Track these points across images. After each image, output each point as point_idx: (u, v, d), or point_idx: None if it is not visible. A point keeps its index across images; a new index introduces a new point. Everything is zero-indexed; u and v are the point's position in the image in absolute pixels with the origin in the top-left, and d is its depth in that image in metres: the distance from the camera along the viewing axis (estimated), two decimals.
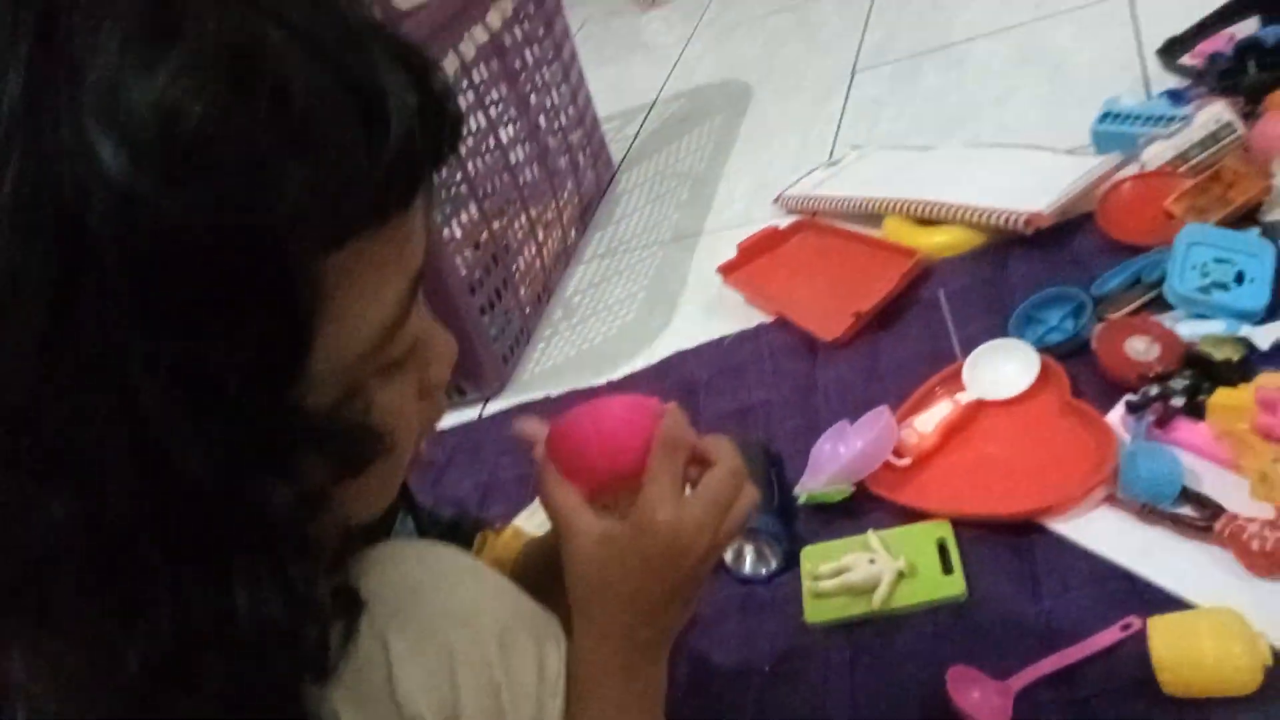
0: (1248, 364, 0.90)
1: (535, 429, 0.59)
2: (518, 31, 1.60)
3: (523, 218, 1.59)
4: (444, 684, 0.48)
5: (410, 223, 0.41)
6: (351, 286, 0.38)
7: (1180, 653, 0.71)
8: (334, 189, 0.36)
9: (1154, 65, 1.41)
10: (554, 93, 1.73)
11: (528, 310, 1.59)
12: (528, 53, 1.64)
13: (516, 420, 0.59)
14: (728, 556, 0.99)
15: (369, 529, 0.54)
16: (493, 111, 1.52)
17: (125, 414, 0.35)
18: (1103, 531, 0.86)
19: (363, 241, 0.38)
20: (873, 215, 1.40)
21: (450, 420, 1.46)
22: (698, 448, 0.56)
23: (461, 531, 0.79)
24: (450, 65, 1.38)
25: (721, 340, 1.35)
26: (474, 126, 1.47)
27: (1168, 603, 0.78)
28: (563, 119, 1.76)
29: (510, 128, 1.58)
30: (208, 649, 0.39)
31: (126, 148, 0.32)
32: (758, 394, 1.22)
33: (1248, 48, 1.21)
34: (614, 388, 1.36)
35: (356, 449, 0.42)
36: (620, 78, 2.39)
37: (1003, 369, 1.04)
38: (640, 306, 1.55)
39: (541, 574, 0.61)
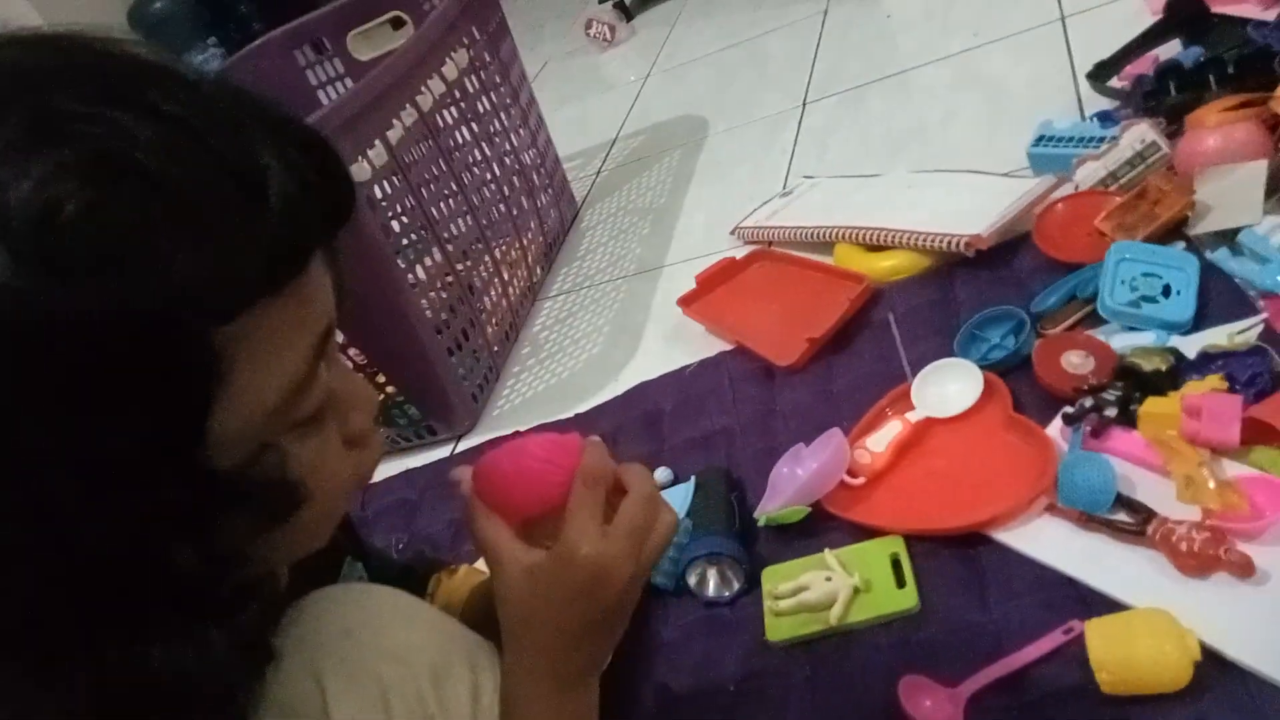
0: (1176, 373, 0.95)
1: (464, 471, 0.61)
2: (475, 80, 1.65)
3: (488, 258, 1.63)
4: (378, 718, 0.51)
5: (308, 287, 0.44)
6: (250, 353, 0.41)
7: (1116, 653, 0.75)
8: (217, 266, 0.38)
9: (1086, 88, 1.46)
10: (514, 136, 1.78)
11: (495, 348, 1.62)
12: (486, 100, 1.69)
13: (452, 470, 0.61)
14: (691, 580, 1.02)
15: (315, 575, 0.57)
16: (454, 157, 1.56)
17: (27, 496, 0.37)
18: (1045, 539, 0.89)
19: (257, 310, 0.40)
20: (824, 243, 1.45)
21: (422, 459, 1.49)
22: (618, 477, 0.59)
23: (415, 575, 0.82)
24: (409, 116, 1.42)
25: (683, 370, 1.39)
26: (436, 172, 1.51)
27: (1106, 605, 0.82)
28: (525, 160, 1.81)
29: (473, 171, 1.62)
30: (125, 705, 0.42)
31: (5, 246, 0.35)
32: (719, 420, 1.26)
33: (1168, 70, 1.27)
34: (580, 420, 1.40)
35: (272, 505, 0.45)
36: (581, 116, 2.45)
37: (949, 387, 1.08)
38: (605, 340, 1.59)
39: (488, 610, 0.64)
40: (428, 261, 1.48)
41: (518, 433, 1.40)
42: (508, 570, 0.55)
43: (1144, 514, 0.85)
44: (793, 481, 1.03)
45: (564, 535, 0.55)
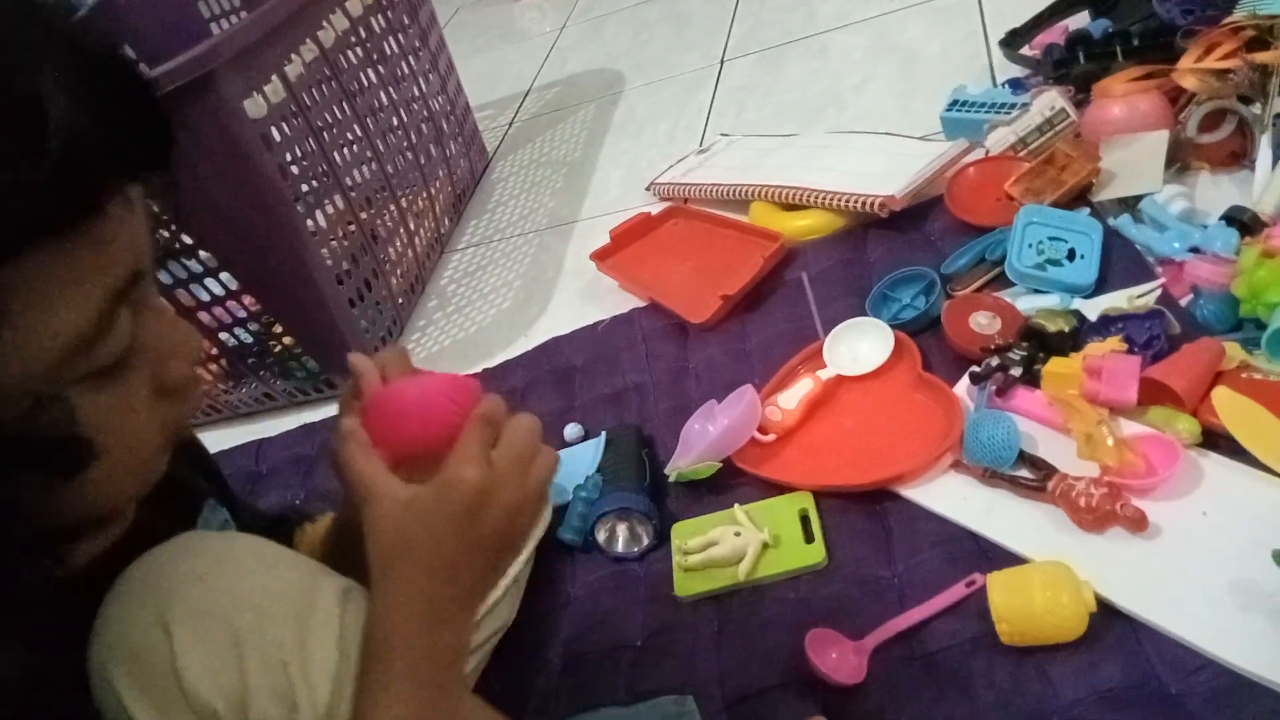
0: (1078, 334, 0.97)
1: (354, 421, 0.56)
2: (381, 20, 1.57)
3: (393, 207, 1.57)
4: (230, 669, 0.49)
5: (103, 230, 0.40)
6: (30, 299, 0.38)
7: (1015, 605, 0.76)
8: None
9: (999, 55, 1.48)
10: (423, 81, 1.71)
11: (400, 300, 1.56)
12: (393, 41, 1.61)
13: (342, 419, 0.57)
14: (600, 536, 1.00)
15: (169, 520, 0.54)
16: (358, 101, 1.48)
17: None
18: (950, 496, 0.91)
19: (38, 255, 0.37)
20: (740, 201, 1.43)
21: (321, 413, 1.44)
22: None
23: (288, 525, 0.79)
24: (309, 53, 1.35)
25: (596, 325, 1.36)
26: (339, 115, 1.44)
27: (1007, 559, 0.83)
28: (433, 106, 1.74)
29: (377, 117, 1.55)
30: None
31: None
32: (631, 377, 1.24)
33: (1078, 39, 1.29)
34: (489, 375, 1.36)
35: (55, 461, 0.42)
36: (493, 66, 2.38)
37: (860, 346, 1.09)
38: (516, 294, 1.55)
39: (345, 552, 0.61)
40: (329, 209, 1.41)
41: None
42: (382, 503, 0.52)
43: (1045, 470, 0.87)
44: (704, 437, 1.03)
45: (449, 462, 0.52)
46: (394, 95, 1.60)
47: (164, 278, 1.28)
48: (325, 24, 1.39)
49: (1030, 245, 1.07)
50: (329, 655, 0.52)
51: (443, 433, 0.54)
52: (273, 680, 0.50)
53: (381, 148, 1.54)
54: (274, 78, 1.26)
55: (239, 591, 0.51)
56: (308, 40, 1.35)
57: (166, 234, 1.24)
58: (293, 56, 1.31)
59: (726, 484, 1.02)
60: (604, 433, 1.13)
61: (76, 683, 0.50)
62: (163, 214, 0.46)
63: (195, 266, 1.27)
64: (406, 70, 1.66)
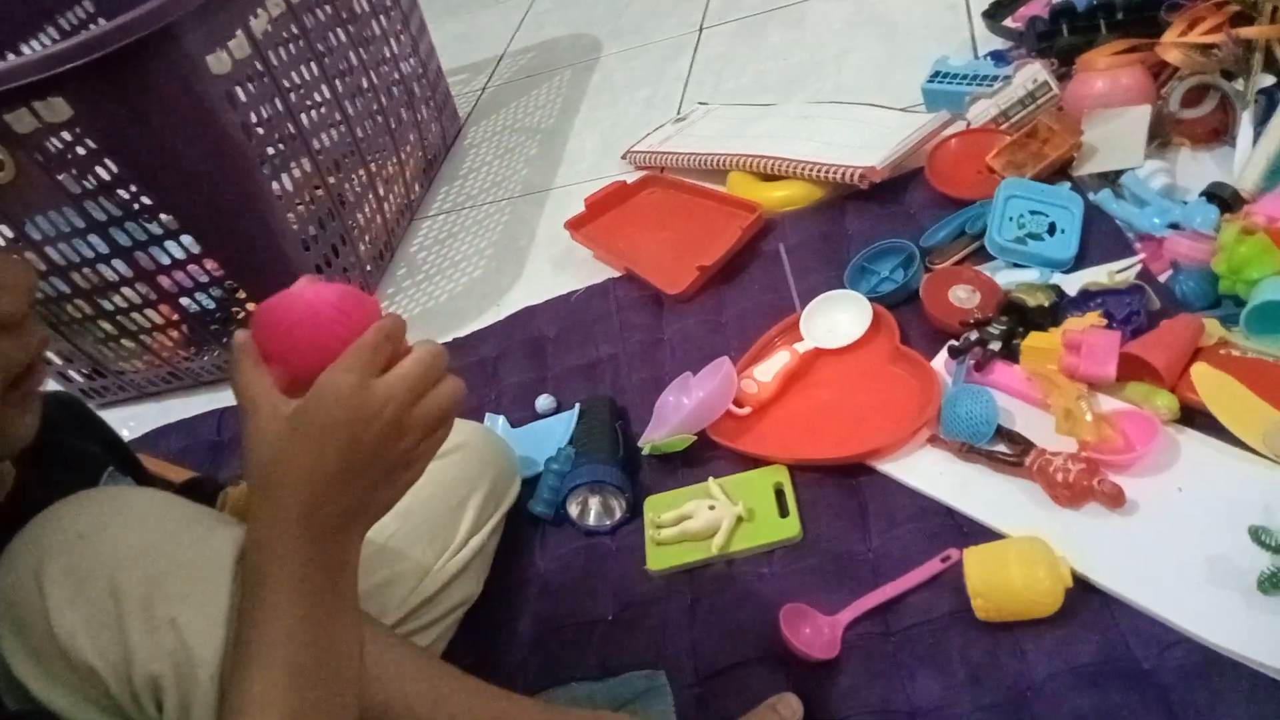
0: (1057, 309, 0.96)
1: (245, 334, 0.53)
2: None
3: (361, 172, 1.53)
4: (109, 629, 0.49)
5: None
6: None
7: (992, 580, 0.75)
8: None
9: (981, 27, 1.46)
10: (393, 42, 1.66)
11: (368, 267, 1.53)
12: (363, 0, 1.56)
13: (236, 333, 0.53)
14: (572, 509, 0.98)
15: (62, 493, 0.53)
16: (326, 62, 1.44)
17: None
18: (926, 470, 0.90)
19: None
20: (718, 171, 1.41)
21: None
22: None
23: (200, 489, 0.77)
24: (275, 8, 1.30)
25: (570, 295, 1.34)
26: (306, 76, 1.40)
27: (983, 534, 0.83)
28: (403, 69, 1.69)
29: (346, 79, 1.51)
30: None
31: None
32: (605, 348, 1.22)
33: (1061, 12, 1.27)
34: (459, 344, 1.33)
35: None
36: (467, 30, 2.33)
37: (837, 319, 1.07)
38: (488, 262, 1.52)
39: None
40: (295, 172, 1.37)
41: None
42: (263, 418, 0.49)
43: (1023, 445, 0.86)
44: (679, 410, 1.01)
45: (331, 366, 0.49)
46: (364, 56, 1.55)
47: (122, 239, 1.23)
48: None
49: (1011, 219, 1.06)
50: (220, 604, 0.50)
51: (330, 345, 0.50)
52: (159, 638, 0.49)
53: (350, 110, 1.50)
54: (238, 33, 1.22)
55: (123, 548, 0.50)
56: None
57: (125, 194, 1.20)
58: (259, 11, 1.26)
59: (701, 457, 1.00)
60: (577, 404, 1.11)
61: None
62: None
63: (155, 229, 1.23)
64: (377, 31, 1.61)
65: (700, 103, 1.64)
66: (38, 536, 0.51)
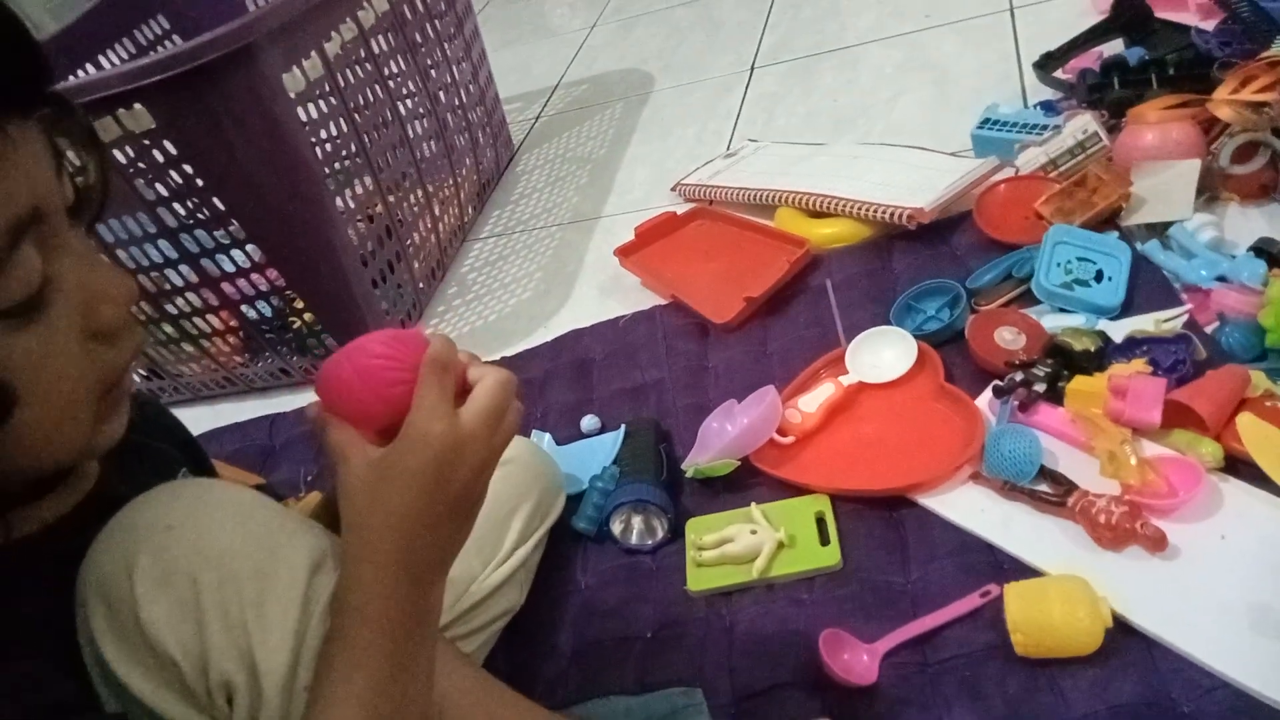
0: (1103, 354, 0.97)
1: (315, 406, 0.56)
2: (419, 4, 1.58)
3: (419, 192, 1.57)
4: (190, 624, 0.49)
5: None
6: None
7: (1032, 616, 0.76)
8: None
9: (1031, 77, 1.49)
10: (455, 69, 1.71)
11: (421, 285, 1.57)
12: (429, 27, 1.62)
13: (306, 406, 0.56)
14: (615, 528, 1.00)
15: (141, 485, 0.54)
16: (391, 84, 1.49)
17: None
18: (968, 506, 0.91)
19: None
20: (766, 206, 1.44)
21: None
22: (466, 371, 0.55)
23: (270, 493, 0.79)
24: (348, 33, 1.35)
25: (617, 320, 1.37)
26: (372, 98, 1.45)
27: (1023, 571, 0.83)
28: (463, 96, 1.75)
29: (409, 102, 1.56)
30: None
31: None
32: (651, 373, 1.25)
33: (1113, 66, 1.30)
34: (507, 363, 1.36)
35: None
36: (523, 61, 2.39)
37: (883, 354, 1.09)
38: (536, 285, 1.56)
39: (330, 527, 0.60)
40: (358, 190, 1.41)
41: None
42: (353, 464, 0.52)
43: (1066, 486, 0.87)
44: (723, 435, 1.03)
45: (411, 417, 0.51)
46: (426, 82, 1.61)
47: (190, 246, 1.28)
48: (365, 4, 1.40)
49: (1058, 264, 1.08)
50: (290, 616, 0.51)
51: (390, 393, 0.52)
52: (233, 639, 0.50)
53: (412, 134, 1.55)
54: (313, 54, 1.27)
55: (205, 545, 0.51)
56: (347, 19, 1.35)
57: (194, 202, 1.25)
58: (332, 34, 1.32)
59: (743, 483, 1.02)
60: (623, 425, 1.13)
61: (55, 644, 0.50)
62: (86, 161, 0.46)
63: (221, 237, 1.28)
64: (440, 57, 1.66)
65: (750, 139, 1.68)
66: (132, 524, 0.51)
